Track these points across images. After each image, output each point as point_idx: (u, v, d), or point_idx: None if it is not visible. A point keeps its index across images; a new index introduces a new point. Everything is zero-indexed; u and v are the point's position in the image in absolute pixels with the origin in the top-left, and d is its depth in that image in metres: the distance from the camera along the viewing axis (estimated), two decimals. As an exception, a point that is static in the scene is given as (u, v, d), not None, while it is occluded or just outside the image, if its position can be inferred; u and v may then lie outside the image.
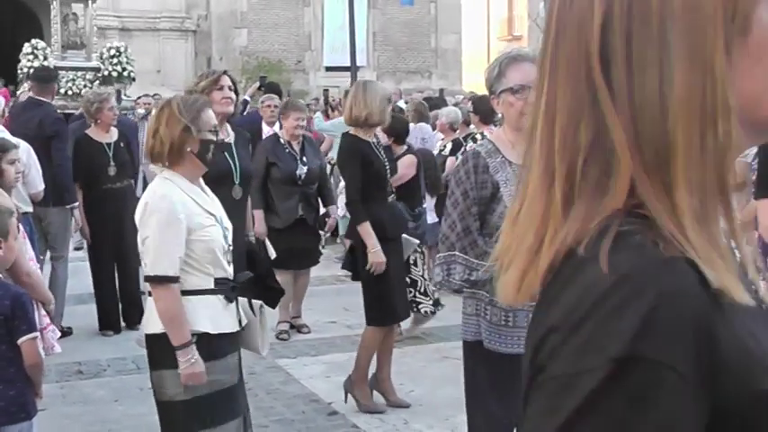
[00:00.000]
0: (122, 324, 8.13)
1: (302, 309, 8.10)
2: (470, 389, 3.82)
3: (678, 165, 0.92)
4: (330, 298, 8.99)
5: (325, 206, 8.03)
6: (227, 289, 3.93)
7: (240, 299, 4.06)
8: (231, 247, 3.98)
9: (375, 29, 32.01)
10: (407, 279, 6.81)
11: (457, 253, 3.68)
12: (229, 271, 3.96)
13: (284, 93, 26.78)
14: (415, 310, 7.21)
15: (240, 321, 4.01)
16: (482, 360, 3.71)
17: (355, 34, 23.24)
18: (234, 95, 5.57)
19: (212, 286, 3.87)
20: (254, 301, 4.20)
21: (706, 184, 0.93)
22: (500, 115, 3.83)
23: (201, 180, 4.04)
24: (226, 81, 5.48)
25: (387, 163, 6.06)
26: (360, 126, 5.94)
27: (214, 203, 4.00)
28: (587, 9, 0.96)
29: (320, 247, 8.35)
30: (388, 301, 6.01)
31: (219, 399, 3.85)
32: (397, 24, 32.28)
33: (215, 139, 3.96)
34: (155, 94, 17.23)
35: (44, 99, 8.24)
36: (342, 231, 9.43)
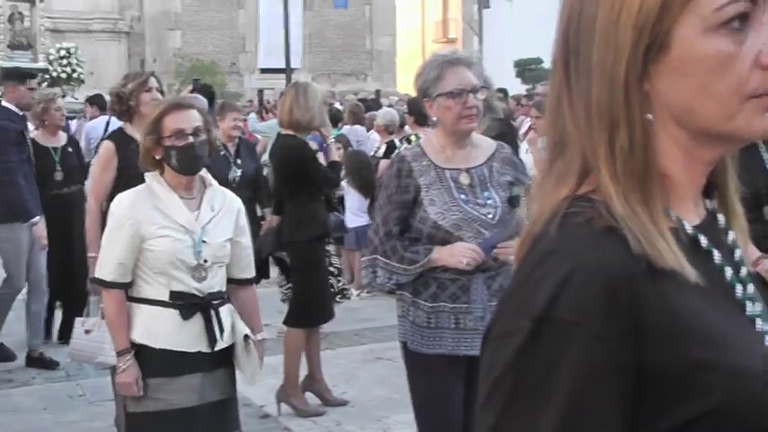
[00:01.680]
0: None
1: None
2: (412, 387, 3.81)
3: (600, 160, 1.06)
4: (262, 299, 8.93)
5: (261, 209, 7.97)
6: (184, 304, 3.70)
7: (238, 323, 3.82)
8: (207, 263, 3.71)
9: (310, 31, 32.00)
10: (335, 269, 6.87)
11: (379, 257, 3.67)
12: (194, 286, 3.70)
13: (218, 95, 26.74)
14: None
15: (214, 343, 3.73)
16: (416, 360, 3.72)
17: (290, 36, 23.23)
18: (161, 97, 5.52)
19: (166, 298, 3.70)
20: (239, 328, 3.83)
21: (623, 175, 1.05)
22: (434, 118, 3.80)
23: (205, 186, 3.83)
24: (153, 83, 5.42)
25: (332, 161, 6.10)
26: (300, 129, 5.95)
27: (197, 215, 3.74)
28: (560, 25, 1.12)
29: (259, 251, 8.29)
30: (312, 304, 6.03)
31: (167, 419, 3.70)
32: (331, 26, 32.31)
33: (180, 144, 3.72)
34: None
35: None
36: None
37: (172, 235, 3.67)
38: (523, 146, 9.10)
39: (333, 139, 6.05)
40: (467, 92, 3.59)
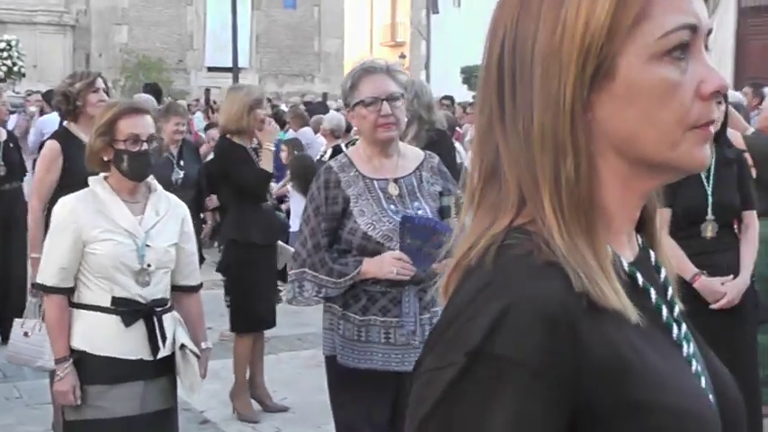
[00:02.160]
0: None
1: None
2: (334, 404, 3.77)
3: (542, 191, 1.02)
4: (207, 303, 8.87)
5: (202, 211, 7.92)
6: (127, 311, 3.65)
7: (178, 332, 3.77)
8: (151, 267, 3.67)
9: (258, 30, 31.84)
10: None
11: (307, 270, 3.60)
12: (137, 292, 3.66)
13: (165, 92, 26.52)
14: None
15: (157, 350, 3.69)
16: (341, 375, 3.67)
17: (238, 35, 23.09)
18: (108, 98, 5.48)
19: (108, 304, 3.65)
20: (177, 339, 3.78)
21: (568, 207, 1.01)
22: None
23: (150, 191, 3.80)
24: (101, 83, 5.38)
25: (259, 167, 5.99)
26: (229, 132, 5.98)
27: (141, 219, 3.70)
28: (492, 45, 1.08)
29: (201, 252, 8.18)
30: (251, 308, 6.01)
31: (105, 427, 3.64)
32: (280, 27, 32.18)
33: (133, 149, 3.67)
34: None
35: None
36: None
37: (115, 239, 3.63)
38: (469, 155, 9.10)
39: (269, 146, 5.98)
40: (381, 100, 3.56)
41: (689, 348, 1.10)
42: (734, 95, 8.18)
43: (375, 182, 3.64)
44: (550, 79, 1.01)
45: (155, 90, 12.07)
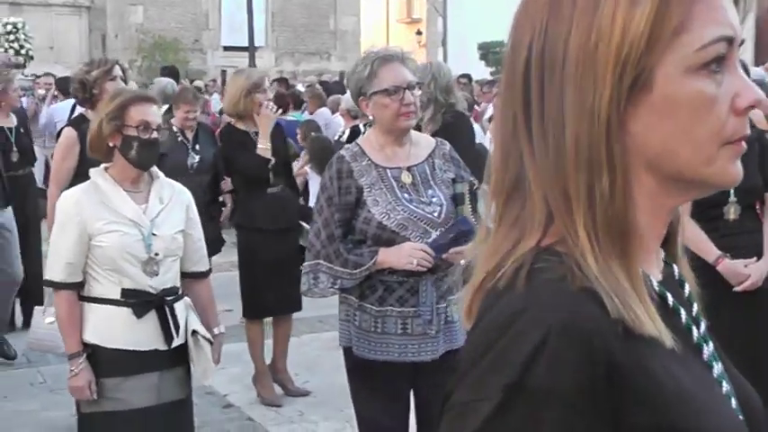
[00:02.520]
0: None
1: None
2: (353, 395, 3.76)
3: (575, 209, 0.97)
4: (226, 285, 8.88)
5: (220, 194, 7.91)
6: (137, 302, 3.64)
7: (190, 318, 3.77)
8: (159, 256, 3.66)
9: (274, 9, 31.74)
10: None
11: (321, 262, 3.57)
12: (146, 282, 3.64)
13: (181, 73, 26.47)
14: None
15: (170, 340, 3.69)
16: (358, 366, 3.66)
17: (253, 14, 23.02)
18: (125, 86, 5.48)
19: (118, 297, 3.63)
20: (189, 325, 3.78)
21: (602, 227, 0.97)
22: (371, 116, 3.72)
23: (152, 179, 3.78)
24: (118, 71, 5.39)
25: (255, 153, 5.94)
26: (232, 116, 6.01)
27: (145, 208, 3.68)
28: (517, 49, 1.03)
29: (221, 235, 8.15)
30: (258, 294, 6.02)
31: (122, 419, 3.64)
32: (295, 5, 32.07)
33: (144, 137, 3.65)
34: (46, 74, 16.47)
35: None
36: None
37: (120, 229, 3.60)
38: (488, 135, 9.05)
39: (264, 131, 5.92)
40: (403, 89, 3.53)
41: (718, 368, 1.07)
42: (756, 72, 8.10)
43: (388, 170, 3.61)
44: (585, 90, 0.97)
45: (172, 72, 12.09)
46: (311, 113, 11.58)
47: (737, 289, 4.38)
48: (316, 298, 3.73)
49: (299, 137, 9.60)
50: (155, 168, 3.82)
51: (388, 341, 3.55)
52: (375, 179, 3.59)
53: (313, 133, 9.42)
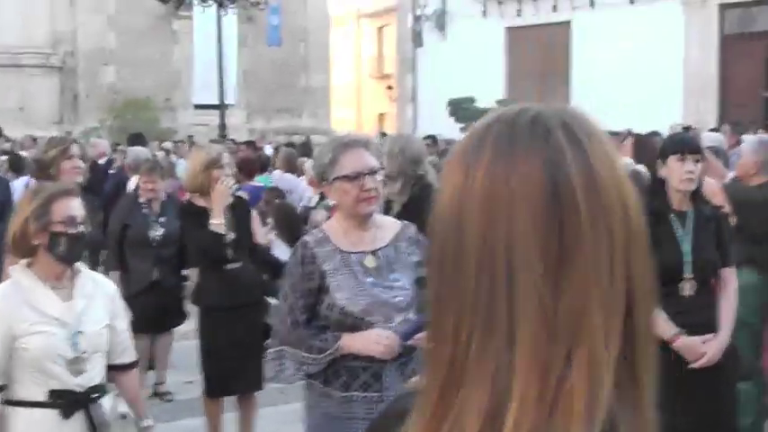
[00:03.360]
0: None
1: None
2: None
3: None
4: (189, 354, 8.79)
5: (185, 268, 7.84)
6: (65, 403, 3.52)
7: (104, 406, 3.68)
8: (86, 354, 3.55)
9: (245, 67, 31.87)
10: None
11: (286, 348, 3.58)
12: (73, 381, 3.53)
13: (151, 131, 26.45)
14: None
15: None
16: None
17: (224, 72, 23.15)
18: (83, 165, 5.46)
19: (44, 398, 3.50)
20: (112, 408, 3.70)
21: None
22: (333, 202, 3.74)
23: (75, 273, 3.68)
24: (75, 150, 5.38)
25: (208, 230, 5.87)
26: (189, 191, 6.01)
27: (70, 305, 3.58)
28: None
29: (183, 308, 8.03)
30: (217, 374, 5.94)
31: None
32: (267, 63, 32.22)
33: (71, 231, 3.55)
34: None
35: None
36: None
37: (46, 330, 3.49)
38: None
39: (217, 209, 5.85)
40: (364, 174, 3.55)
41: None
42: (714, 139, 8.17)
43: (352, 255, 3.62)
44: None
45: (139, 139, 12.09)
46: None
47: (694, 366, 4.38)
48: (282, 384, 3.70)
49: (261, 203, 9.57)
50: (78, 263, 3.71)
51: (356, 426, 3.52)
52: (339, 264, 3.59)
53: (277, 200, 9.40)
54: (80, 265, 3.72)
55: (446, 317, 1.00)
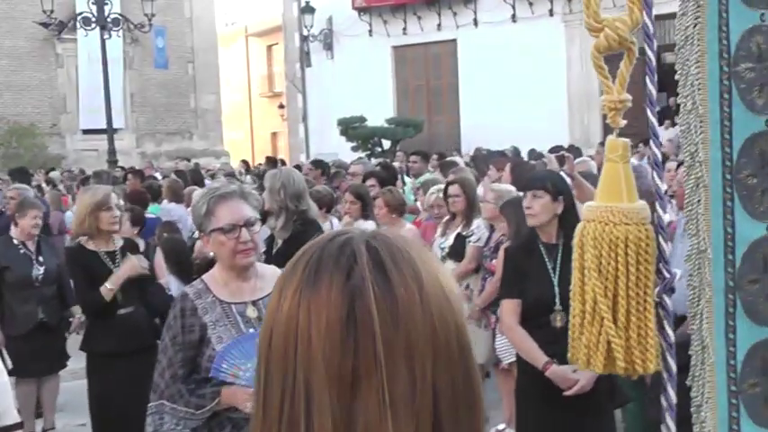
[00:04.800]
0: None
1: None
2: None
3: None
4: (80, 393, 8.62)
5: (67, 306, 7.71)
6: None
7: None
8: None
9: (132, 90, 31.47)
10: None
11: (165, 402, 3.54)
12: None
13: (39, 158, 25.79)
14: None
15: None
16: None
17: (111, 96, 22.79)
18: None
19: None
20: None
21: None
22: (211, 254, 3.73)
23: None
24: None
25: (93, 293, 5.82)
26: (79, 235, 5.93)
27: None
28: None
29: (65, 349, 7.91)
30: (107, 419, 5.83)
31: None
32: (155, 85, 31.87)
33: None
34: None
35: None
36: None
37: None
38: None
39: (118, 279, 5.83)
40: (239, 226, 3.54)
41: None
42: (584, 162, 8.37)
43: (233, 306, 3.60)
44: None
45: (23, 174, 11.87)
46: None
47: (567, 393, 4.51)
48: None
49: (156, 237, 9.48)
50: None
51: None
52: (220, 315, 3.57)
53: (165, 234, 9.33)
54: None
55: (270, 399, 1.10)
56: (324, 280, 1.08)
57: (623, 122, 1.54)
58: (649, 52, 1.41)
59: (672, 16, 1.98)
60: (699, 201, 1.56)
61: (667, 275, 1.20)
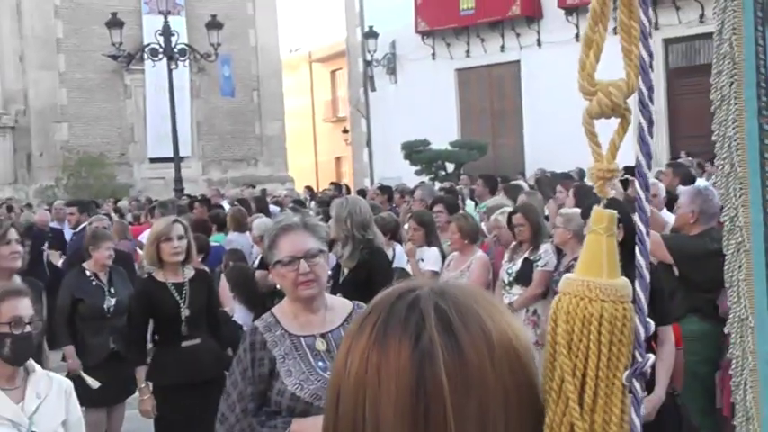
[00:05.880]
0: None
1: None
2: None
3: None
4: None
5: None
6: None
7: None
8: None
9: (199, 118, 31.92)
10: None
11: None
12: None
13: (108, 187, 26.23)
14: None
15: None
16: None
17: (178, 125, 23.15)
18: (21, 248, 5.44)
19: None
20: None
21: None
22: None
23: (28, 373, 3.68)
24: (13, 234, 5.35)
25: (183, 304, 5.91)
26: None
27: (22, 405, 3.58)
28: None
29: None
30: None
31: None
32: (221, 113, 32.29)
33: (17, 332, 3.57)
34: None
35: None
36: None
37: None
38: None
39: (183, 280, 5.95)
40: (298, 258, 3.53)
41: None
42: (653, 185, 8.23)
43: (302, 339, 3.58)
44: None
45: (84, 207, 12.16)
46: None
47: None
48: None
49: (222, 265, 9.54)
50: (31, 361, 3.73)
51: None
52: (289, 349, 3.56)
53: (231, 262, 9.39)
54: (32, 364, 3.71)
55: None
56: (392, 345, 1.07)
57: (612, 192, 1.48)
58: (644, 122, 1.35)
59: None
60: (740, 266, 1.50)
61: (639, 359, 1.15)
